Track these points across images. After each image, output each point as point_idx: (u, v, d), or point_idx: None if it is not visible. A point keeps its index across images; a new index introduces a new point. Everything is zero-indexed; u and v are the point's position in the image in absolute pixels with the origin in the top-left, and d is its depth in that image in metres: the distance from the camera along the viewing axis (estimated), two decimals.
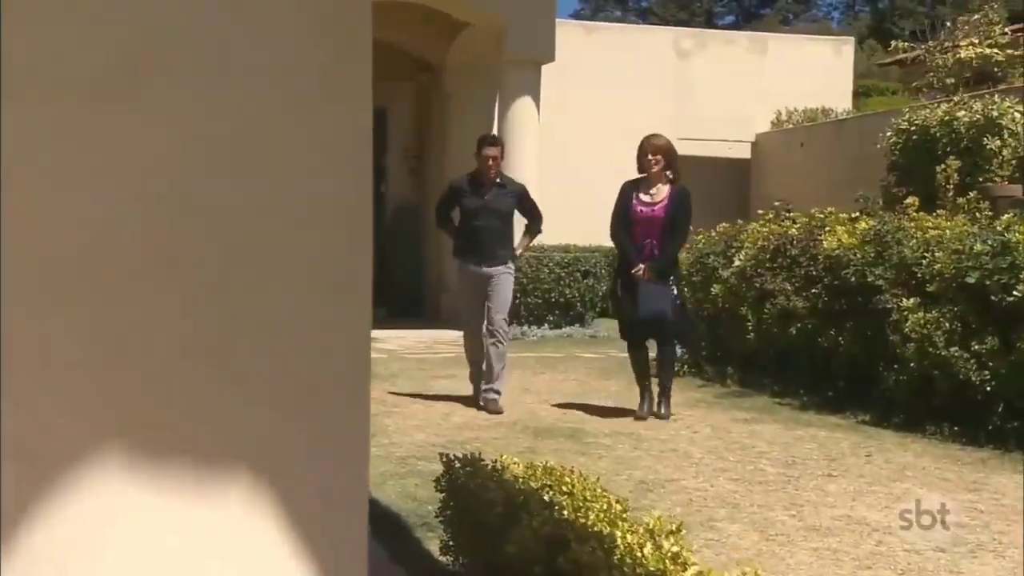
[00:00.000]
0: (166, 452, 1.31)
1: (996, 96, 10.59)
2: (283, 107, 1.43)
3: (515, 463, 3.64)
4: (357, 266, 1.51)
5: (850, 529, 4.49)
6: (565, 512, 3.13)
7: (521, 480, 3.49)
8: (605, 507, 3.15)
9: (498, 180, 7.50)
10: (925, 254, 6.99)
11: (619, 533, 2.87)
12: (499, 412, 7.19)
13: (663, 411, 7.18)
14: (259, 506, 1.37)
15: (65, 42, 1.26)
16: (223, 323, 1.36)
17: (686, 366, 9.06)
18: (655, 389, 7.25)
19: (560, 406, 7.66)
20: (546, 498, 3.26)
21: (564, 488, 3.32)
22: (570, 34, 14.81)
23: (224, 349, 1.36)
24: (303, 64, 1.45)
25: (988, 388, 6.41)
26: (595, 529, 2.96)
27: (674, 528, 2.99)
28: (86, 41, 1.27)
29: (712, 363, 9.07)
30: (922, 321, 6.72)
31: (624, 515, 3.14)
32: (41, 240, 1.25)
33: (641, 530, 2.96)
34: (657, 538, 2.92)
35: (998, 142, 9.94)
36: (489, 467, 3.62)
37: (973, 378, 6.39)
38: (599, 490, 3.37)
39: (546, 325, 12.20)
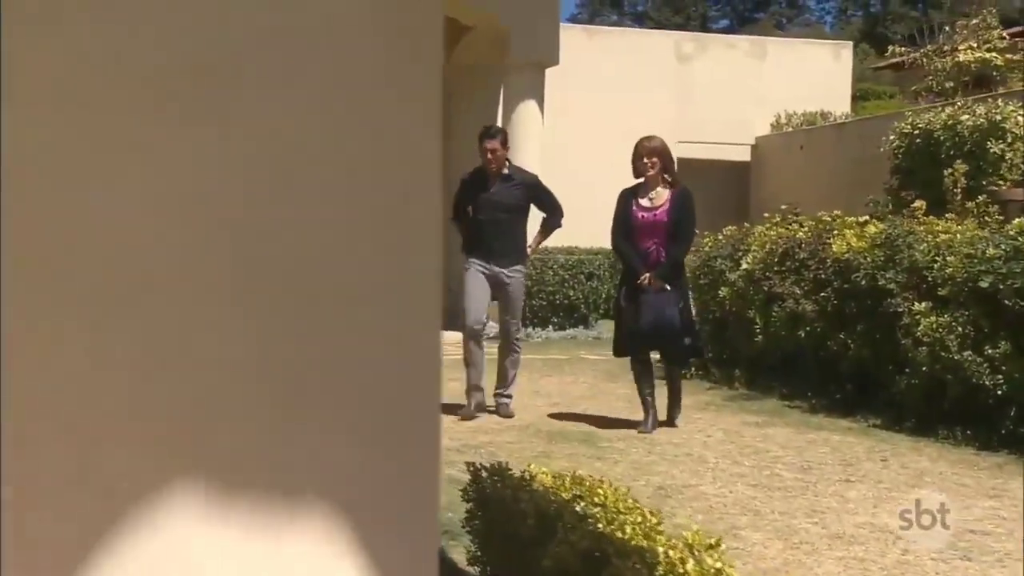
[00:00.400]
0: (232, 482, 1.19)
1: (1000, 100, 10.49)
2: (353, 118, 1.32)
3: (544, 472, 3.53)
4: (427, 281, 1.40)
5: (875, 537, 4.38)
6: (600, 525, 3.02)
7: (551, 490, 3.38)
8: (639, 519, 3.04)
9: (505, 172, 7.16)
10: (936, 258, 6.89)
11: (660, 548, 2.76)
12: (511, 416, 7.08)
13: (674, 418, 6.94)
14: (333, 539, 1.26)
15: (129, 47, 1.14)
16: (292, 345, 1.25)
17: (693, 368, 8.96)
18: (659, 402, 6.88)
19: (571, 409, 7.55)
20: (578, 509, 3.15)
21: (596, 499, 3.21)
22: (572, 37, 14.71)
23: (293, 372, 1.25)
24: (374, 74, 1.34)
25: (999, 392, 6.31)
26: (633, 543, 2.86)
27: (713, 542, 2.89)
28: (150, 46, 1.16)
29: (719, 365, 8.96)
30: (934, 325, 6.62)
31: (659, 528, 3.03)
32: (98, 256, 1.14)
33: (680, 544, 2.85)
34: (697, 552, 2.82)
35: (1002, 146, 9.84)
36: (517, 476, 3.51)
37: (986, 382, 6.29)
38: (631, 501, 3.27)
39: (550, 327, 12.10)
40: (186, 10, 1.20)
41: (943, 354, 6.54)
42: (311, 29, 1.29)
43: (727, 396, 8.19)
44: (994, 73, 14.64)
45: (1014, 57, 14.62)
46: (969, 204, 7.99)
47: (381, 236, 1.34)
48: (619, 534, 2.94)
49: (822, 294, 7.73)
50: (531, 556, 3.06)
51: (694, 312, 8.37)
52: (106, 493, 1.13)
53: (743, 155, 16.81)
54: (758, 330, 8.44)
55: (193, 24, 1.20)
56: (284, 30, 1.27)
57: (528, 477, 3.50)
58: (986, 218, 7.37)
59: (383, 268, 1.33)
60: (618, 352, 6.96)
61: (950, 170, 8.96)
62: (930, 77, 14.67)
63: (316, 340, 1.27)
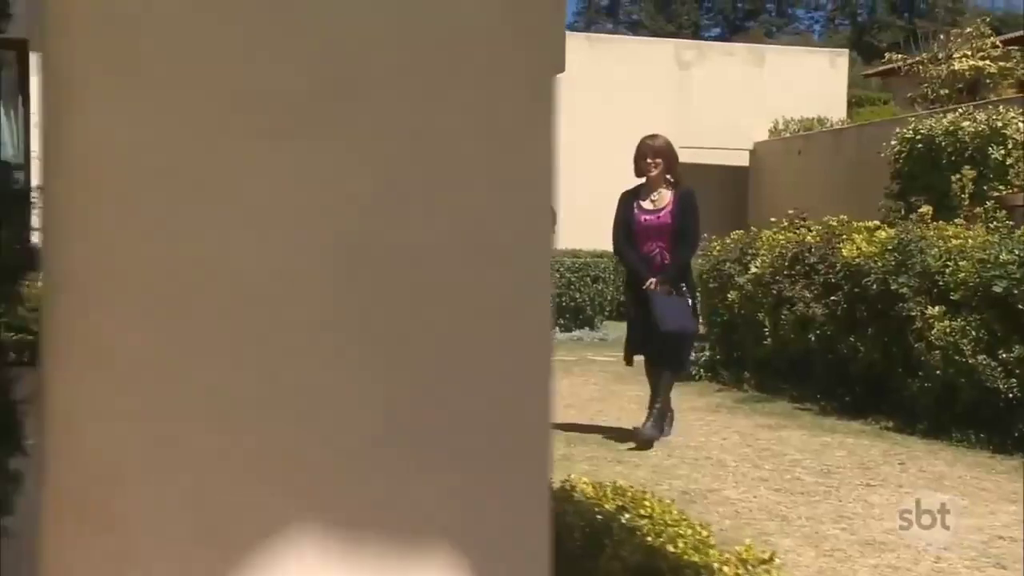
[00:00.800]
0: (354, 530, 1.06)
1: (1000, 107, 10.37)
2: (470, 133, 1.19)
3: (585, 482, 3.40)
4: (542, 314, 1.28)
5: (905, 544, 4.25)
6: (649, 538, 2.88)
7: (593, 501, 3.25)
8: (689, 532, 2.91)
9: None
10: (948, 263, 6.76)
11: (715, 564, 2.63)
12: None
13: (649, 429, 6.17)
14: None
15: (253, 66, 1.01)
16: (409, 382, 1.12)
17: (702, 370, 8.84)
18: (672, 408, 6.50)
19: (584, 411, 7.42)
20: (623, 520, 3.02)
21: (643, 511, 3.08)
22: (574, 45, 14.58)
23: (411, 412, 1.12)
24: (493, 89, 1.21)
25: (1011, 395, 6.20)
26: (686, 558, 2.72)
27: (767, 557, 2.76)
28: (276, 65, 1.03)
29: (727, 367, 8.85)
30: (948, 329, 6.50)
31: (710, 540, 2.90)
32: (209, 289, 1.00)
33: (734, 559, 2.72)
34: (752, 568, 2.69)
35: (1002, 151, 9.72)
36: (557, 487, 3.37)
37: (1000, 386, 6.18)
38: (676, 512, 3.14)
39: (557, 328, 11.97)
40: (298, 24, 1.07)
41: (956, 358, 6.42)
42: (431, 44, 1.16)
43: (737, 398, 8.06)
44: (987, 81, 14.56)
45: (1007, 64, 14.53)
46: (978, 209, 7.87)
47: (497, 259, 1.21)
48: (670, 548, 2.81)
49: (832, 298, 7.61)
50: (579, 570, 2.93)
51: (700, 320, 8.14)
52: (222, 541, 1.00)
53: (742, 160, 16.69)
54: (767, 333, 8.32)
55: (308, 38, 1.07)
56: (401, 46, 1.14)
57: (569, 487, 3.37)
58: (995, 223, 7.24)
59: (505, 302, 1.20)
60: (627, 358, 6.62)
61: (958, 176, 8.83)
62: (926, 84, 14.57)
63: (441, 383, 1.14)
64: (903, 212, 8.28)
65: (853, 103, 18.77)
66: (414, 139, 1.12)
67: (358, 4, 1.11)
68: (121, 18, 1.05)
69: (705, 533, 2.90)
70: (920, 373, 6.74)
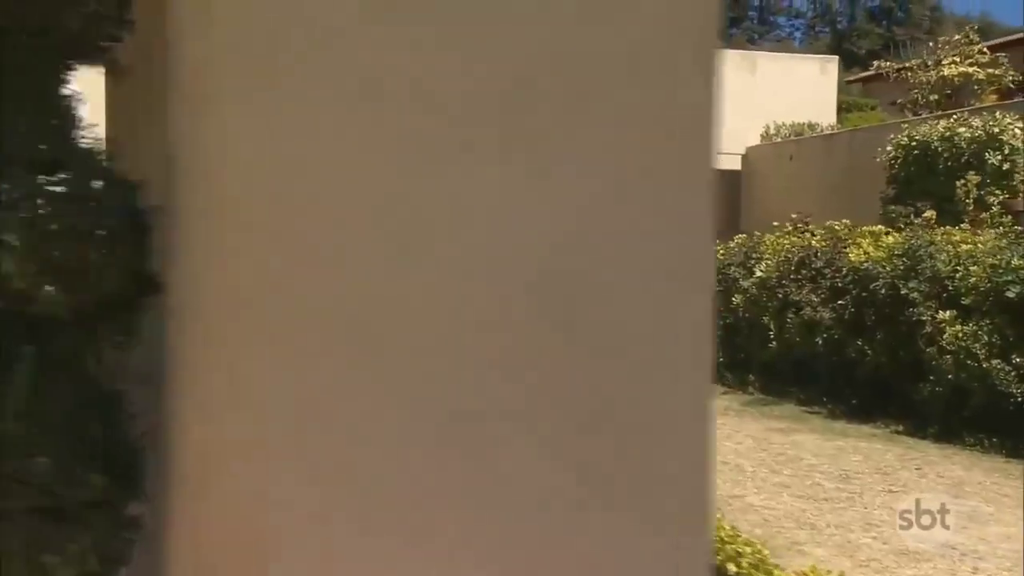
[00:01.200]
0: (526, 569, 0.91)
1: (997, 113, 10.26)
2: (645, 159, 1.04)
3: None
4: (703, 343, 1.13)
5: (939, 553, 4.12)
6: None
7: None
8: (748, 550, 2.76)
9: None
10: (957, 267, 6.65)
11: None
12: None
13: None
14: None
15: (407, 79, 0.86)
16: (581, 419, 0.96)
17: None
18: None
19: None
20: None
21: None
22: None
23: (583, 448, 0.97)
24: (665, 100, 1.07)
25: (1022, 399, 6.09)
26: None
27: None
28: (434, 78, 0.87)
29: (732, 370, 8.71)
30: (959, 334, 6.38)
31: (767, 557, 2.76)
32: (358, 318, 0.84)
33: None
34: None
35: (999, 156, 9.61)
36: None
37: (1014, 390, 6.06)
38: (728, 527, 2.99)
39: None
40: (467, 35, 0.92)
41: (969, 362, 6.30)
42: (599, 59, 1.01)
43: (744, 401, 7.93)
44: (975, 87, 14.48)
45: (995, 71, 14.46)
46: (983, 215, 7.76)
47: (667, 296, 1.06)
48: (731, 567, 2.66)
49: (839, 302, 7.49)
50: None
51: None
52: None
53: (734, 164, 16.56)
54: (772, 336, 8.20)
55: (477, 51, 0.92)
56: (576, 60, 0.99)
57: None
58: (1001, 228, 7.12)
59: (670, 331, 1.05)
60: None
61: (963, 181, 8.72)
62: (915, 90, 14.48)
63: (609, 420, 0.99)
64: (911, 217, 8.15)
65: (843, 109, 18.68)
66: (586, 149, 0.97)
67: (535, 19, 0.97)
68: (262, 21, 0.89)
69: (766, 552, 2.75)
70: (931, 377, 6.62)
